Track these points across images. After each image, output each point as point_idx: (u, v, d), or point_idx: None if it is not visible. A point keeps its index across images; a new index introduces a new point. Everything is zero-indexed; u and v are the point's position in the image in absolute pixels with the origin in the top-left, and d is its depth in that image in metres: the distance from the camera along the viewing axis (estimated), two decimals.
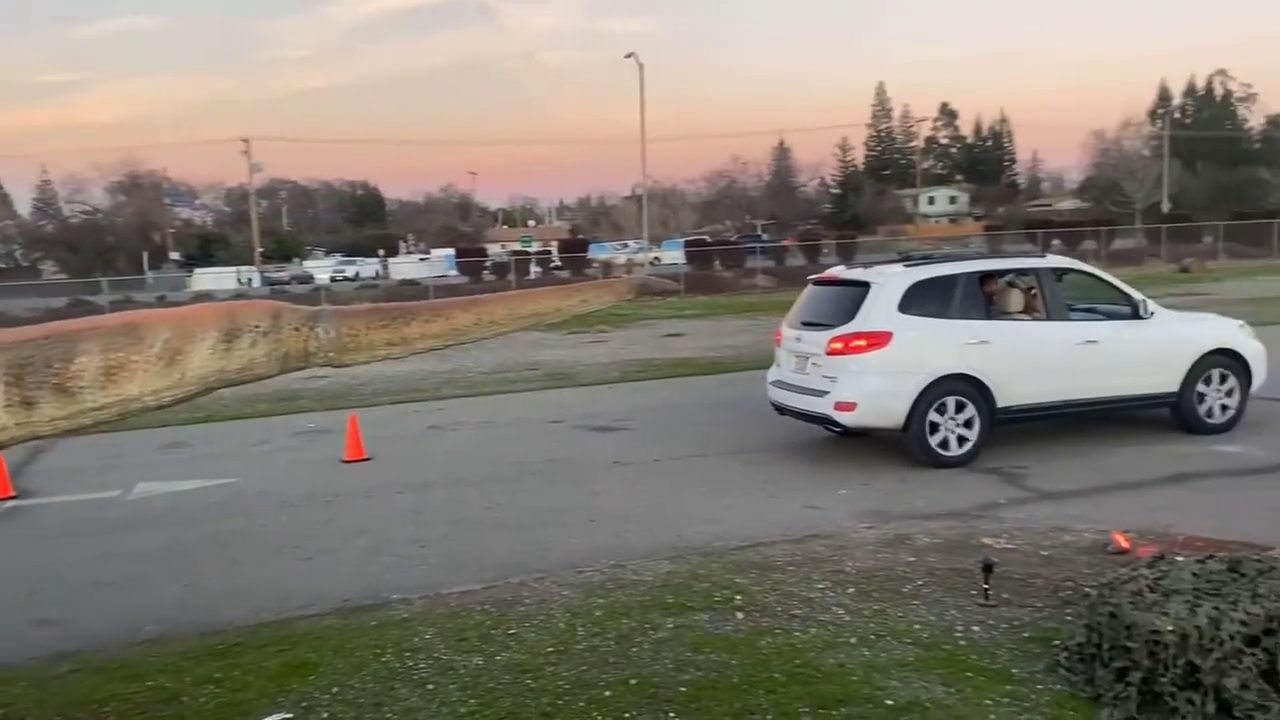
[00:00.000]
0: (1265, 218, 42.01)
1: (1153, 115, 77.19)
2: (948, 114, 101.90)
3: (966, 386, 8.35)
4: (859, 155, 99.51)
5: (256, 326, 3.49)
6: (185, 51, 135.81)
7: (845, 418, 8.40)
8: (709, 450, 9.54)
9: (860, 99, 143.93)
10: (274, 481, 9.17)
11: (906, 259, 9.26)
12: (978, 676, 4.32)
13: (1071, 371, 8.65)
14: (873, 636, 4.82)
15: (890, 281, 8.60)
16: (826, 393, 8.48)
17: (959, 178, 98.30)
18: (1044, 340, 8.73)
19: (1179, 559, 4.41)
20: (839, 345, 8.43)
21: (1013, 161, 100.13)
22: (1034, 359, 8.58)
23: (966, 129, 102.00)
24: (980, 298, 8.90)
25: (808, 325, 9.10)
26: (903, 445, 8.56)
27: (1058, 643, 4.49)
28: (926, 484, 7.87)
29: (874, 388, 8.31)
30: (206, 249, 68.05)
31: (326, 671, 4.75)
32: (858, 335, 8.38)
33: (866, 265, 9.59)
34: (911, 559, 6.01)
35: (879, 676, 4.36)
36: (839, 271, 9.85)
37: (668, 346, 18.99)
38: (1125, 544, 5.94)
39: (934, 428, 8.32)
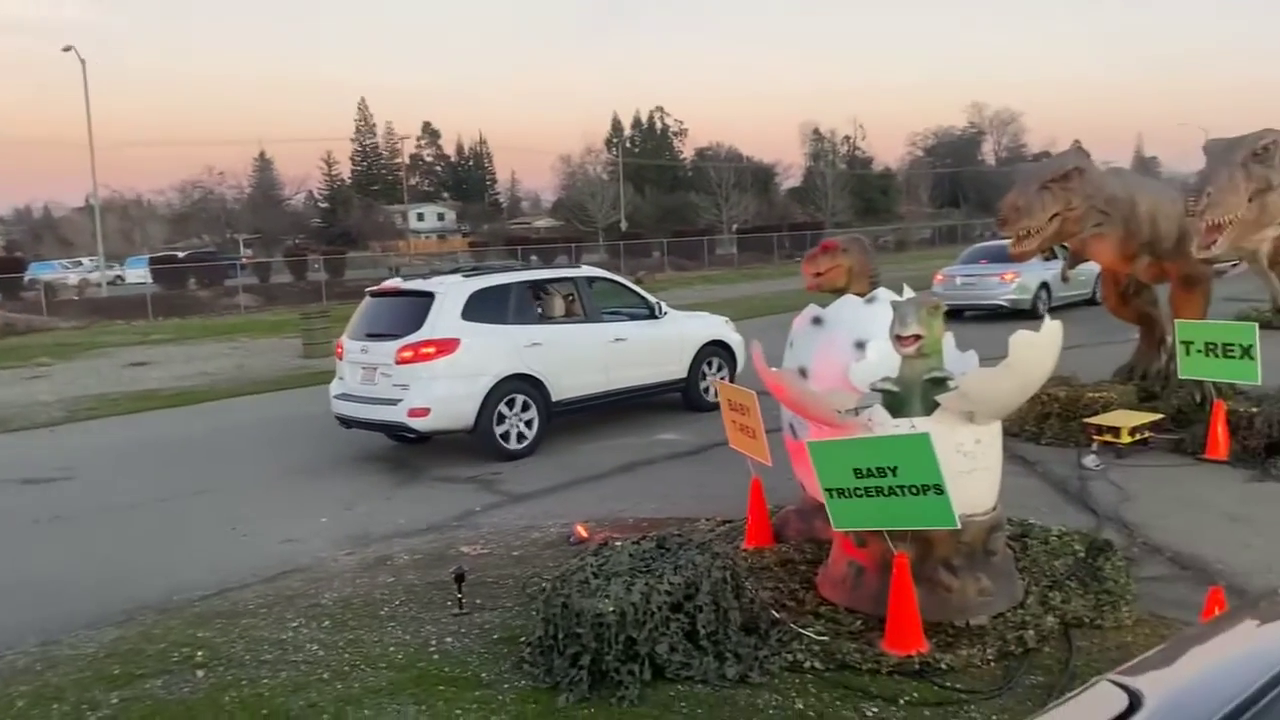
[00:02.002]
0: (699, 235, 49.48)
1: (608, 143, 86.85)
2: (431, 133, 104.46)
3: (526, 385, 9.13)
4: (345, 170, 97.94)
5: None
6: None
7: (419, 423, 8.72)
8: (170, 493, 8.61)
9: (344, 112, 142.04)
10: None
11: (458, 270, 10.01)
12: (449, 689, 4.38)
13: (608, 365, 9.82)
14: (347, 668, 4.67)
15: (453, 291, 9.07)
16: (399, 401, 8.71)
17: (445, 195, 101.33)
18: (585, 340, 9.78)
19: (618, 544, 4.90)
20: (409, 354, 8.72)
21: (494, 181, 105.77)
22: (579, 357, 9.58)
23: (450, 148, 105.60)
24: (531, 304, 9.75)
25: (373, 337, 9.23)
26: (474, 445, 9.07)
27: (523, 639, 4.73)
28: (409, 501, 7.90)
29: (445, 392, 8.71)
30: None
31: None
32: (427, 343, 8.74)
33: (425, 277, 10.08)
34: (390, 580, 5.95)
35: (352, 709, 4.22)
36: (398, 283, 10.19)
37: (130, 378, 16.88)
38: (585, 534, 6.48)
39: (500, 424, 8.95)
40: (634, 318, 10.57)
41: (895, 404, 4.89)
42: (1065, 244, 9.00)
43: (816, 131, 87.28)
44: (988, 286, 19.02)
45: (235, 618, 5.45)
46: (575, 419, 9.93)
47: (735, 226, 58.33)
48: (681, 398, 10.76)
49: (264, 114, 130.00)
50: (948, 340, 5.30)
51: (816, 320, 5.94)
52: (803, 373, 5.84)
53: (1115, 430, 7.77)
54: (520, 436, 9.11)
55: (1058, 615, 4.77)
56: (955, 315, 19.54)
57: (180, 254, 45.71)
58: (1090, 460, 7.57)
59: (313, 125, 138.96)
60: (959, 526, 4.33)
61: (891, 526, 4.51)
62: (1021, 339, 4.39)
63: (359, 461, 9.42)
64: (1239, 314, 14.80)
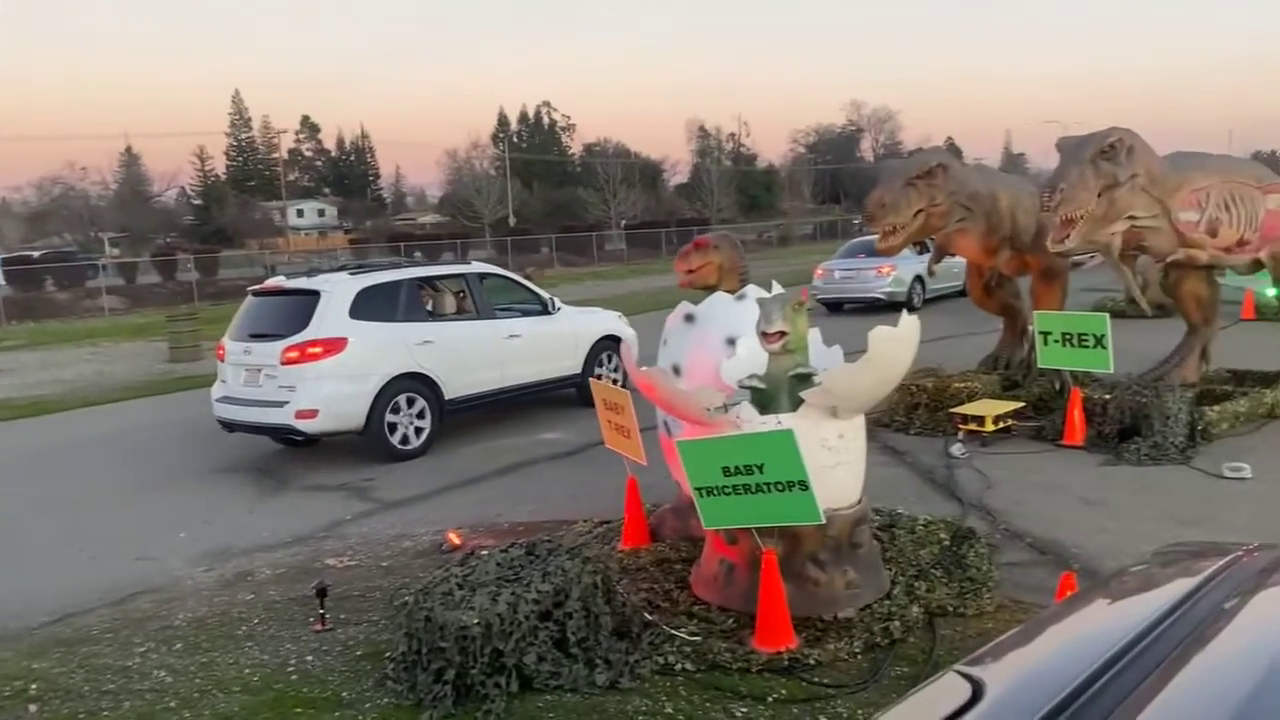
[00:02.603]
0: (587, 231, 49.35)
1: (495, 138, 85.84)
2: (310, 127, 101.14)
3: (418, 384, 8.97)
4: (220, 165, 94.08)
5: None
6: None
7: (307, 425, 8.49)
8: (11, 512, 8.04)
9: (216, 106, 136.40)
10: None
11: (344, 267, 9.80)
12: (307, 710, 4.17)
13: (502, 362, 9.71)
14: (197, 694, 4.40)
15: (339, 289, 8.83)
16: (285, 403, 8.46)
17: (326, 191, 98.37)
18: (478, 337, 9.66)
19: (484, 553, 4.76)
20: (295, 354, 8.49)
21: (377, 176, 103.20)
22: (472, 354, 9.42)
23: (330, 143, 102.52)
24: (421, 301, 9.57)
25: (256, 337, 8.93)
26: (348, 450, 8.94)
27: (387, 655, 4.54)
28: (274, 513, 7.56)
29: (334, 393, 8.51)
30: None
31: None
32: (313, 343, 8.51)
33: (309, 274, 9.64)
34: (250, 597, 5.66)
35: None
36: (281, 281, 9.79)
37: None
38: (458, 541, 6.31)
39: (392, 426, 8.80)
40: (527, 314, 10.46)
41: (763, 401, 4.90)
42: (932, 238, 9.26)
43: (702, 128, 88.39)
44: (865, 280, 19.50)
45: (76, 645, 5.09)
46: (461, 419, 9.70)
47: (623, 222, 58.42)
48: (576, 393, 10.68)
49: (131, 107, 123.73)
50: (813, 336, 5.35)
51: (689, 318, 5.91)
52: (676, 370, 5.82)
53: (980, 419, 8.02)
54: (412, 437, 8.98)
55: (923, 605, 4.86)
56: (835, 308, 20.07)
57: (36, 254, 42.90)
58: (956, 449, 7.80)
59: (185, 119, 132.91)
60: (824, 521, 4.36)
61: (760, 524, 4.51)
62: (880, 334, 4.44)
63: (223, 472, 8.98)
64: (1096, 304, 15.59)
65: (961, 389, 8.67)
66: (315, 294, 8.82)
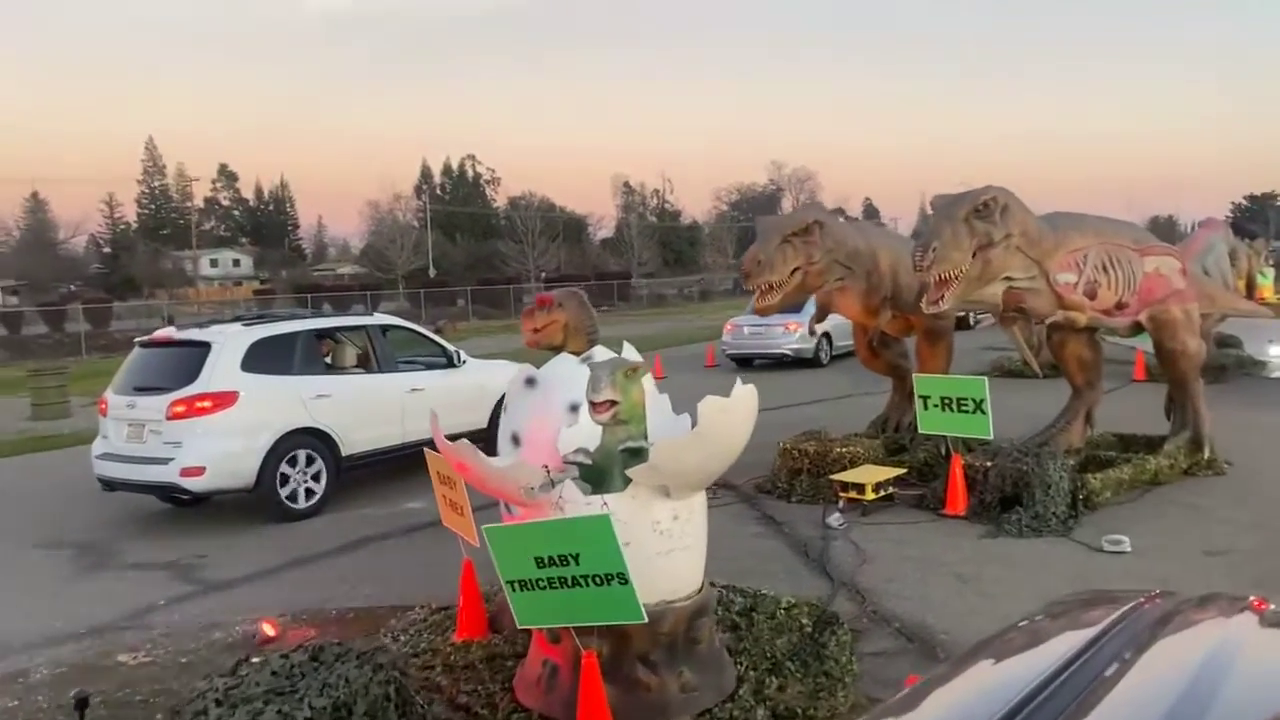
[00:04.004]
0: (504, 284, 48.80)
1: (418, 190, 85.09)
2: (228, 175, 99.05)
3: (313, 439, 8.62)
4: (131, 213, 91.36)
5: None
6: None
7: (193, 483, 8.10)
8: None
9: (128, 152, 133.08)
10: None
11: (239, 319, 9.50)
12: None
13: (404, 417, 9.20)
14: None
15: (231, 341, 8.49)
16: (171, 459, 8.06)
17: (244, 240, 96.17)
18: (378, 390, 9.28)
19: (255, 660, 4.11)
20: (182, 409, 8.11)
21: (296, 226, 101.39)
22: (371, 408, 9.01)
23: (248, 192, 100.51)
24: (318, 354, 9.22)
25: (141, 390, 8.52)
26: (191, 521, 8.44)
27: None
28: (80, 596, 6.73)
29: (222, 449, 8.13)
30: None
31: None
32: (202, 396, 8.15)
33: (201, 326, 9.35)
34: (13, 704, 4.88)
35: None
36: (171, 332, 9.39)
37: None
38: (273, 632, 5.62)
39: (284, 482, 8.43)
40: (431, 367, 10.14)
41: (594, 478, 4.40)
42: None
43: (627, 184, 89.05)
44: (774, 336, 19.29)
45: None
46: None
47: (543, 275, 58.07)
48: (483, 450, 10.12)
49: (39, 152, 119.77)
50: (661, 403, 4.89)
51: (530, 381, 5.39)
52: (515, 439, 5.29)
53: (860, 487, 7.64)
54: (307, 495, 8.62)
55: (770, 707, 4.36)
56: (745, 363, 19.84)
57: None
58: (835, 519, 7.39)
59: (95, 165, 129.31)
60: (646, 620, 3.83)
61: (577, 622, 3.98)
62: (711, 405, 3.98)
63: (44, 546, 8.10)
64: (993, 363, 15.60)
65: (844, 454, 8.29)
66: (206, 345, 8.47)
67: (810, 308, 10.70)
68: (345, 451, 8.84)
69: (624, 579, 3.75)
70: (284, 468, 8.42)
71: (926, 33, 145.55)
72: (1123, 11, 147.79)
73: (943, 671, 1.87)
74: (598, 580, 3.81)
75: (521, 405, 5.36)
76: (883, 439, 9.09)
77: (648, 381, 5.19)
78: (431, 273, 61.18)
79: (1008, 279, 7.21)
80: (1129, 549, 6.46)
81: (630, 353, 5.18)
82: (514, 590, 4.01)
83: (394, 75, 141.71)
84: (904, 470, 8.12)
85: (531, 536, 3.95)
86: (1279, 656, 1.80)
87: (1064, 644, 1.73)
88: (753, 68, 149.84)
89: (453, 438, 10.74)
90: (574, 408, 5.08)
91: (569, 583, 3.86)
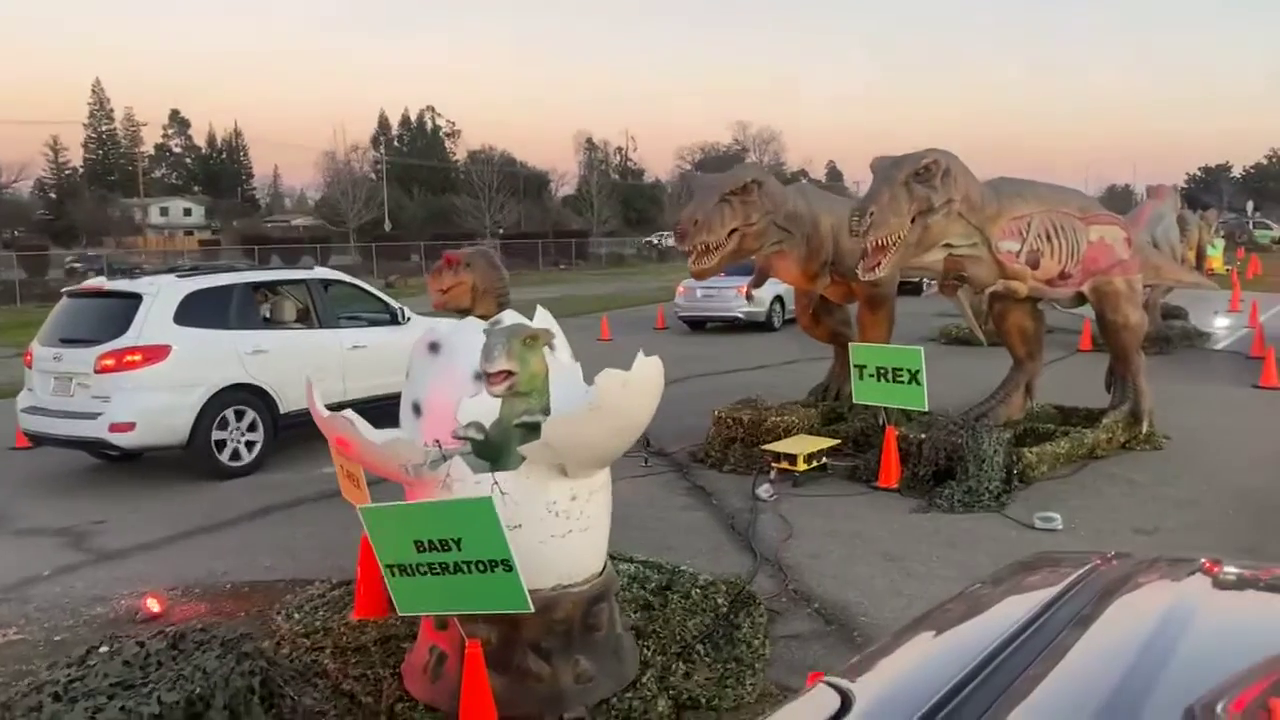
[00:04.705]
0: (459, 240, 47.98)
1: (374, 141, 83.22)
2: (180, 122, 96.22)
3: (249, 396, 8.42)
4: (77, 157, 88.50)
5: None
6: None
7: (122, 439, 7.85)
8: None
9: (74, 94, 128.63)
10: None
11: (175, 269, 9.24)
12: None
13: (344, 374, 8.99)
14: None
15: (164, 292, 8.22)
16: (99, 414, 7.83)
17: (197, 189, 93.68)
18: (318, 347, 9.03)
19: (104, 649, 3.77)
20: (111, 362, 7.86)
21: (250, 176, 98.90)
22: (310, 365, 8.61)
23: (201, 140, 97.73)
24: (256, 308, 8.97)
25: (69, 343, 8.26)
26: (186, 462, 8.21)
27: None
28: None
29: (153, 405, 7.87)
30: None
31: None
32: (132, 350, 7.90)
33: (132, 275, 9.14)
34: None
35: None
36: (102, 282, 9.13)
37: None
38: (158, 608, 5.28)
39: (220, 442, 8.24)
40: (374, 324, 9.79)
41: (489, 454, 4.09)
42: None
43: (590, 141, 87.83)
44: (725, 299, 18.99)
45: None
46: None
47: (500, 231, 57.19)
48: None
49: None
50: (571, 374, 4.58)
51: (433, 346, 5.06)
52: (417, 409, 4.97)
53: (792, 458, 7.41)
54: (242, 453, 8.42)
55: (673, 695, 4.12)
56: (698, 326, 19.59)
57: None
58: (764, 491, 7.16)
59: (40, 108, 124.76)
60: (532, 609, 3.55)
61: (460, 610, 3.70)
62: (610, 379, 3.67)
63: None
64: (942, 330, 15.48)
65: (779, 423, 8.05)
66: (137, 297, 8.17)
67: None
68: (283, 409, 8.63)
69: (508, 566, 3.47)
70: (219, 425, 8.20)
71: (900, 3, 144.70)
72: None
73: (895, 637, 1.82)
74: (481, 567, 3.52)
75: (424, 372, 5.04)
76: (821, 407, 8.87)
77: (560, 349, 4.89)
78: (387, 226, 60.00)
79: (948, 246, 6.96)
80: (1060, 526, 6.30)
81: (541, 318, 4.86)
82: (393, 575, 3.71)
83: (358, 25, 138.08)
84: (838, 441, 7.90)
85: (410, 518, 3.65)
86: (1234, 616, 1.82)
87: (1020, 606, 1.74)
88: (719, 27, 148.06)
89: (396, 397, 10.49)
90: (479, 376, 4.76)
91: (450, 569, 3.57)
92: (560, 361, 4.80)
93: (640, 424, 3.95)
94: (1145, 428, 8.31)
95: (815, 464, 7.51)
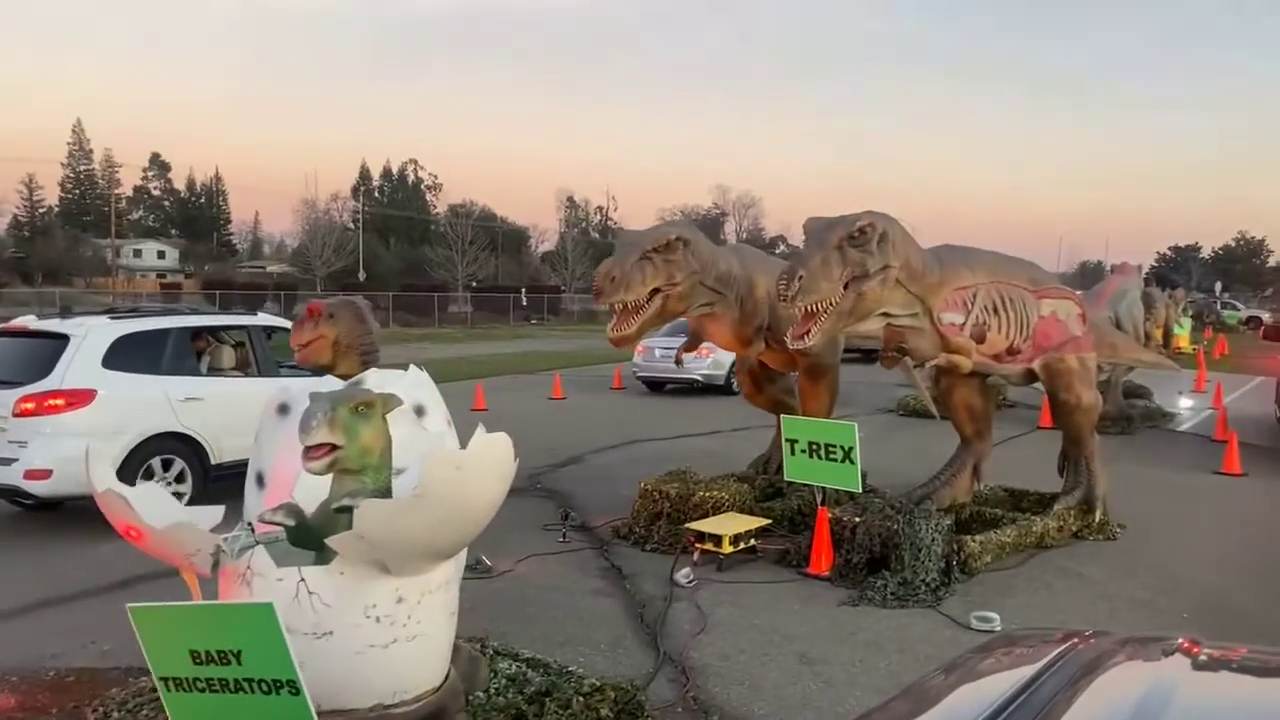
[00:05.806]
0: (429, 291, 47.45)
1: (355, 191, 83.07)
2: (160, 165, 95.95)
3: (179, 445, 8.10)
4: (53, 196, 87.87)
5: None
6: None
7: (38, 487, 7.50)
8: None
9: (53, 133, 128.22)
10: None
11: (111, 311, 8.96)
12: None
13: None
14: None
15: (93, 334, 7.94)
16: (15, 460, 7.52)
17: (174, 232, 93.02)
18: (255, 395, 8.63)
19: None
20: (30, 405, 7.55)
21: (228, 221, 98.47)
22: (246, 414, 8.08)
23: (181, 182, 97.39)
24: (192, 353, 8.66)
25: None
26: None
27: None
28: None
29: (72, 452, 7.16)
30: None
31: None
32: (54, 394, 7.59)
33: (63, 316, 8.69)
34: None
35: None
36: (29, 322, 8.76)
37: None
38: None
39: None
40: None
41: (308, 544, 3.47)
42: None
43: (570, 199, 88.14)
44: (685, 360, 18.44)
45: None
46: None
47: (473, 284, 56.77)
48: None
49: None
50: (446, 443, 3.99)
51: (283, 408, 4.45)
52: (260, 480, 4.34)
53: (717, 538, 6.79)
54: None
55: None
56: (657, 387, 19.01)
57: None
58: (683, 575, 6.52)
59: (16, 145, 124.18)
60: None
61: None
62: (439, 462, 3.09)
63: None
64: (900, 401, 14.97)
65: (707, 498, 7.44)
66: (64, 338, 7.87)
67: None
68: (215, 459, 8.27)
69: (295, 688, 2.83)
70: (142, 476, 7.69)
71: (875, 72, 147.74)
72: (1062, 68, 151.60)
73: (896, 700, 1.84)
74: (264, 687, 2.88)
75: (271, 438, 4.42)
76: (759, 482, 8.28)
77: (432, 414, 4.32)
78: (361, 275, 59.48)
79: (886, 315, 6.44)
80: (999, 628, 5.69)
81: (412, 378, 4.31)
82: (168, 690, 3.05)
83: (344, 76, 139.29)
84: (769, 521, 7.29)
85: (185, 622, 3.00)
86: (1213, 696, 1.79)
87: (1002, 682, 1.73)
88: (702, 94, 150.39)
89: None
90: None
91: (231, 686, 2.93)
92: (429, 431, 4.22)
93: (479, 515, 3.34)
94: (1099, 516, 7.77)
95: (743, 545, 6.90)
